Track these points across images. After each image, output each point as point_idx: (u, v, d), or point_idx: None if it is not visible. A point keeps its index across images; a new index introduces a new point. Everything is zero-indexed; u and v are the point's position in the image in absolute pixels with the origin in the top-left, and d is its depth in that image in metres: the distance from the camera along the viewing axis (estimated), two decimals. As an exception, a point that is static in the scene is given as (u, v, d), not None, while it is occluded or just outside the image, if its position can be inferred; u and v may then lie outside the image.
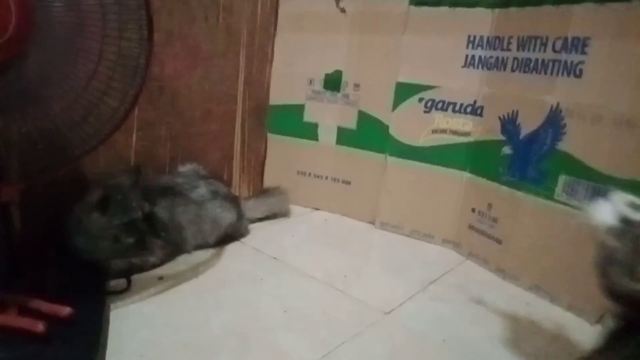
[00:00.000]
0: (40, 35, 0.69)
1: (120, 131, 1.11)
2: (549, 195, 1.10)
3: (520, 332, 0.98)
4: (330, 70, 1.49)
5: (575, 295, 1.07)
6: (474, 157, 1.30)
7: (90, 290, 0.93)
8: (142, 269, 1.10)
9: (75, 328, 0.81)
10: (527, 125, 1.15)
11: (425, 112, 1.35)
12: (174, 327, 0.90)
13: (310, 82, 1.52)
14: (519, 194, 1.16)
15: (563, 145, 1.08)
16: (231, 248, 1.27)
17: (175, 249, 1.17)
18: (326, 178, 1.58)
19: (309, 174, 1.60)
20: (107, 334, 0.85)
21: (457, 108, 1.31)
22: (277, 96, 1.58)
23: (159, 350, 0.83)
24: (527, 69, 1.14)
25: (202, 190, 1.25)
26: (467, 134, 1.31)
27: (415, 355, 0.89)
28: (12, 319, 0.78)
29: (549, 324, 1.02)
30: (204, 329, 0.90)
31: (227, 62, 1.40)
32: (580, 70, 1.03)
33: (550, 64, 1.09)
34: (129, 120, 1.18)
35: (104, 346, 0.82)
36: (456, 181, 1.34)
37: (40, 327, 0.76)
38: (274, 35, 1.52)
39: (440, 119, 1.34)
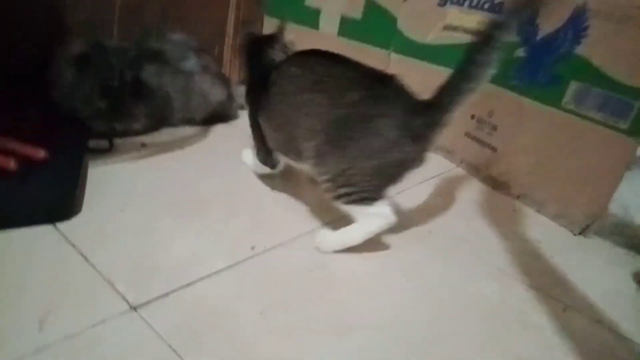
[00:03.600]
0: None
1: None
2: (557, 102, 1.06)
3: (506, 232, 0.99)
4: (340, -51, 1.35)
5: (563, 205, 1.06)
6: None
7: (68, 142, 0.88)
8: (124, 133, 1.05)
9: (50, 172, 0.77)
10: (547, 24, 1.07)
11: (439, 4, 1.25)
12: (158, 187, 0.87)
13: (318, -41, 1.38)
14: (525, 100, 1.11)
15: (581, 49, 1.01)
16: (219, 128, 1.21)
17: (161, 119, 1.11)
18: (323, 72, 1.49)
19: (305, 66, 1.50)
20: (84, 185, 0.81)
21: (474, 2, 1.21)
22: (280, -26, 1.44)
23: (142, 207, 0.80)
24: (558, -39, 1.04)
25: (192, 61, 1.16)
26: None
27: (396, 238, 0.88)
28: (-18, 155, 0.73)
29: (533, 229, 1.02)
30: (190, 192, 0.87)
31: None
32: (617, -35, 0.94)
33: (585, -43, 0.99)
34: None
35: (81, 195, 0.78)
36: (460, 85, 1.27)
37: (12, 164, 0.72)
38: None
39: (454, 15, 1.24)
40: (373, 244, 0.83)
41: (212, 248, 0.73)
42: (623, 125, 0.96)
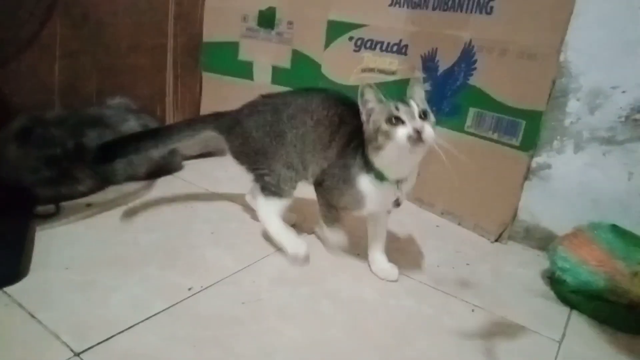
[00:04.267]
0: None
1: (41, 61, 1.10)
2: (460, 127, 1.20)
3: (429, 247, 1.09)
4: (264, 7, 1.49)
5: (479, 218, 1.19)
6: (399, 95, 1.37)
7: (14, 213, 0.94)
8: (71, 197, 1.11)
9: (-3, 242, 0.83)
10: (445, 61, 1.22)
11: (355, 50, 1.40)
12: (102, 244, 0.94)
13: (244, 18, 1.52)
14: (436, 127, 1.25)
15: (473, 80, 1.16)
16: (163, 180, 1.30)
17: (105, 180, 1.19)
18: (262, 117, 1.61)
19: (246, 114, 1.62)
20: (31, 250, 0.88)
21: (384, 47, 1.36)
22: (211, 33, 1.57)
23: (86, 264, 0.87)
24: (445, 7, 1.20)
25: (132, 123, 1.25)
26: (393, 72, 1.37)
27: (330, 264, 0.98)
28: None
29: (454, 241, 1.14)
30: (133, 246, 0.94)
31: (155, -8, 1.37)
32: (491, 8, 1.11)
33: (465, 2, 1.15)
34: (50, 49, 1.16)
35: (28, 259, 0.85)
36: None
37: (-41, 237, 0.78)
38: (207, -32, 1.50)
39: (369, 58, 1.39)
40: (304, 272, 0.92)
41: (151, 294, 0.80)
42: (515, 142, 1.11)
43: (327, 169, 0.92)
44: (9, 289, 0.77)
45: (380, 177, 0.84)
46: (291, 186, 0.96)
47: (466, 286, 0.94)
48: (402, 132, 0.77)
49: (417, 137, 0.76)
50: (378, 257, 0.97)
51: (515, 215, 1.15)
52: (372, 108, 0.83)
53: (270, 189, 0.96)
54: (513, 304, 0.91)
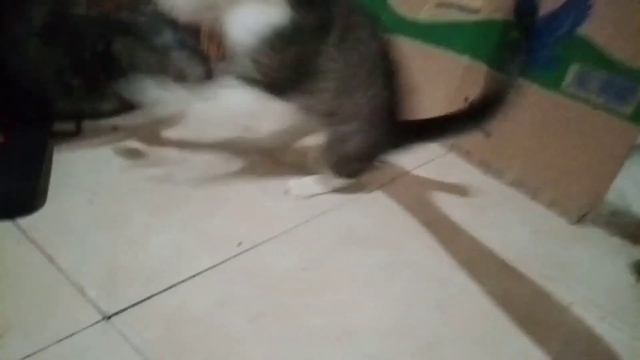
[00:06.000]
0: None
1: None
2: (557, 85, 1.01)
3: (498, 221, 0.94)
4: None
5: (558, 193, 1.03)
6: (478, 39, 1.17)
7: (30, 124, 0.79)
8: (93, 115, 0.95)
9: (10, 159, 0.69)
10: (548, 2, 1.01)
11: (433, -21, 1.18)
12: (131, 176, 0.79)
13: None
14: (523, 82, 1.06)
15: (584, 29, 0.96)
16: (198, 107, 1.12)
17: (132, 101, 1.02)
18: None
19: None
20: (48, 174, 0.73)
21: (470, -22, 1.14)
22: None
23: (113, 196, 0.72)
24: None
25: (167, 36, 1.07)
26: (476, 11, 1.16)
27: (398, 231, 0.83)
28: None
29: (527, 218, 0.99)
30: (167, 180, 0.80)
31: None
32: (626, -60, 0.89)
33: None
34: None
35: (45, 185, 0.70)
36: (453, 65, 1.21)
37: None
38: None
39: (449, -9, 1.18)
40: (372, 238, 0.78)
41: (194, 245, 0.66)
42: (626, 110, 0.93)
43: None
44: (23, 221, 0.63)
45: None
46: None
47: (555, 275, 0.80)
48: None
49: None
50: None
51: (604, 196, 0.99)
52: None
53: None
54: (606, 300, 0.77)
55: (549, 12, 1.02)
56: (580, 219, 1.01)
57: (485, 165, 1.16)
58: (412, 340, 0.59)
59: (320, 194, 0.86)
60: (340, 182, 0.87)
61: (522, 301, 0.72)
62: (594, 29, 0.95)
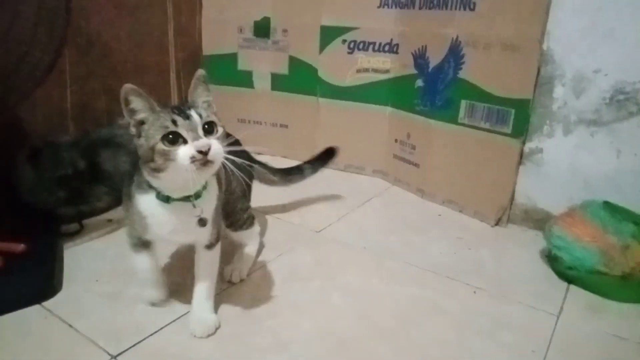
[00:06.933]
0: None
1: (54, 87, 1.18)
2: (454, 119, 1.25)
3: (432, 236, 1.15)
4: (258, 17, 1.55)
5: (478, 204, 1.24)
6: (393, 92, 1.43)
7: (42, 232, 1.02)
8: (92, 213, 1.18)
9: (31, 262, 0.91)
10: (434, 58, 1.28)
11: (349, 53, 1.46)
12: (125, 257, 1.00)
13: (241, 29, 1.58)
14: (431, 121, 1.31)
15: (463, 73, 1.21)
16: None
17: (120, 195, 1.26)
18: (265, 123, 1.67)
19: (249, 121, 1.69)
20: (62, 267, 0.95)
21: (376, 47, 1.42)
22: (210, 46, 1.64)
23: (112, 276, 0.94)
24: (431, 5, 1.25)
25: (142, 139, 1.32)
26: (386, 71, 1.43)
27: (339, 259, 1.04)
28: (-30, 257, 0.87)
29: (456, 228, 1.20)
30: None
31: (154, 12, 1.44)
32: (474, 4, 1.16)
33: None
34: (62, 75, 1.24)
35: (60, 275, 0.92)
36: (380, 116, 1.47)
37: (-2, 261, 0.85)
38: (201, -17, 1.56)
39: (363, 59, 1.45)
40: (314, 266, 0.99)
41: (173, 299, 0.87)
42: (507, 130, 1.16)
43: None
44: (47, 304, 0.85)
45: (163, 197, 0.70)
46: None
47: (468, 270, 1.00)
48: (184, 153, 0.64)
49: (202, 159, 0.64)
50: (199, 302, 0.80)
51: (512, 199, 1.20)
52: (144, 119, 0.67)
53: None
54: (514, 283, 0.97)
55: (436, 64, 1.28)
56: (499, 221, 1.22)
57: (421, 192, 1.38)
58: (333, 344, 0.79)
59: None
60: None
61: (432, 295, 0.92)
62: (469, 73, 1.20)
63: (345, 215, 1.25)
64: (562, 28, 1.06)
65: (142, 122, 0.67)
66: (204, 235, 0.77)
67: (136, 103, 0.67)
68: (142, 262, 0.82)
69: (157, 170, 0.66)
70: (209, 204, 0.74)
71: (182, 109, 0.67)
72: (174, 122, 0.65)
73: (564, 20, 1.06)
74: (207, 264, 0.81)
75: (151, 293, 0.84)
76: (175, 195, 0.70)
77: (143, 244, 0.80)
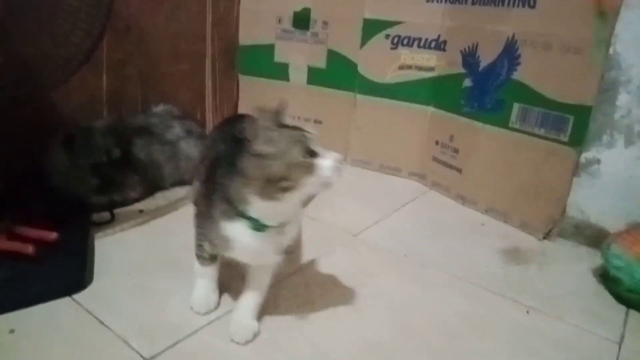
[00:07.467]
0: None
1: (90, 72, 1.15)
2: (504, 123, 1.18)
3: (475, 246, 1.09)
4: (298, 8, 1.50)
5: (525, 215, 1.17)
6: (437, 91, 1.36)
7: (73, 221, 0.99)
8: (123, 203, 1.15)
9: (62, 251, 0.87)
10: (486, 56, 1.21)
11: (392, 48, 1.39)
12: (157, 249, 0.97)
13: (279, 20, 1.53)
14: (478, 124, 1.24)
15: (517, 75, 1.14)
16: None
17: (154, 185, 1.23)
18: (298, 118, 1.62)
19: (282, 115, 1.63)
20: (93, 257, 0.92)
21: (421, 43, 1.35)
22: (247, 36, 1.59)
23: (145, 269, 0.90)
24: (486, 1, 1.18)
25: (176, 129, 1.28)
26: (431, 68, 1.36)
27: (379, 266, 0.99)
28: (3, 243, 0.84)
29: (500, 239, 1.13)
30: (184, 251, 0.97)
31: (193, 0, 1.39)
32: (534, 1, 1.08)
33: (507, -4, 1.13)
34: (98, 61, 1.21)
35: (91, 266, 0.89)
36: (421, 116, 1.40)
37: (29, 249, 0.82)
38: (241, -28, 1.52)
39: (406, 55, 1.39)
40: (353, 272, 0.93)
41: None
42: (564, 137, 1.08)
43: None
44: (77, 296, 0.81)
45: (259, 227, 0.66)
46: None
47: (518, 287, 0.94)
48: (328, 165, 0.61)
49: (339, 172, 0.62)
50: (244, 308, 0.76)
51: (564, 212, 1.13)
52: (271, 139, 0.62)
53: None
54: (568, 304, 0.90)
55: (488, 63, 1.21)
56: (548, 235, 1.14)
57: (462, 198, 1.31)
58: (376, 357, 0.74)
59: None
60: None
61: (483, 312, 0.86)
62: (525, 74, 1.13)
63: (382, 219, 1.20)
64: (631, 31, 0.98)
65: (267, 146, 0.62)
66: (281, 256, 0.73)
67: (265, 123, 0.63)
68: (206, 274, 0.80)
69: (287, 189, 0.61)
70: (295, 230, 0.72)
71: (296, 127, 0.65)
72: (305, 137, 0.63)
73: (635, 22, 0.98)
74: (264, 276, 0.78)
75: (207, 304, 0.80)
76: (273, 223, 0.66)
77: (211, 257, 0.78)
